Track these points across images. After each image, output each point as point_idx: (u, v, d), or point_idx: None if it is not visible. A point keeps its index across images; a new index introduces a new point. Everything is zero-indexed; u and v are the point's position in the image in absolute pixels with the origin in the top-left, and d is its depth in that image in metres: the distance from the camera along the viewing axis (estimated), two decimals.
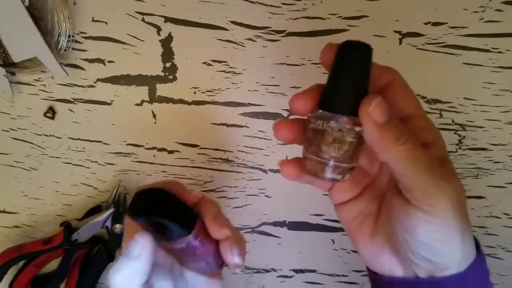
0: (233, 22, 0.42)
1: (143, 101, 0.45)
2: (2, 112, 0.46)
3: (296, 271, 0.49)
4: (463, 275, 0.26)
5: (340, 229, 0.47)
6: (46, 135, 0.46)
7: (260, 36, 0.43)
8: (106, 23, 0.43)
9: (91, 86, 0.45)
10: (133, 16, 0.43)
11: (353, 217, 0.31)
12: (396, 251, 0.28)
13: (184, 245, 0.29)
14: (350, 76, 0.25)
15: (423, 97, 0.43)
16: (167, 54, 0.43)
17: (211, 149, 0.46)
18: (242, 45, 0.43)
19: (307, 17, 0.42)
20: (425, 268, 0.27)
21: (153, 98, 0.45)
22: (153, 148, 0.46)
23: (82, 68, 0.44)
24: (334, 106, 0.25)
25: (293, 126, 0.28)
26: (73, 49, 0.43)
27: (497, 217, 0.47)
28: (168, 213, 0.28)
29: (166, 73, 0.44)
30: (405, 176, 0.24)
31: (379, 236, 0.29)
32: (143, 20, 0.43)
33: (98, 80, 0.44)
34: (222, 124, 0.45)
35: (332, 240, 0.48)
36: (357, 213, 0.31)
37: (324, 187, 0.32)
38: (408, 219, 0.25)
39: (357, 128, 0.25)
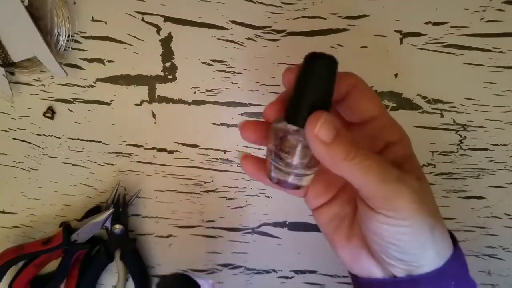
0: (233, 22, 0.42)
1: (142, 101, 0.45)
2: (1, 112, 0.45)
3: (297, 271, 0.49)
4: (440, 270, 0.26)
5: None
6: (46, 135, 0.46)
7: (260, 36, 0.43)
8: (105, 22, 0.43)
9: (91, 86, 0.44)
10: (133, 16, 0.42)
11: (329, 220, 0.32)
12: (372, 253, 0.29)
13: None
14: (311, 89, 0.25)
15: (424, 97, 0.43)
16: (167, 53, 0.43)
17: (211, 149, 0.46)
18: (242, 45, 0.43)
19: (308, 17, 0.42)
20: (400, 267, 0.27)
21: (153, 98, 0.45)
22: (153, 148, 0.46)
23: (81, 68, 0.44)
24: (294, 118, 0.26)
25: (258, 127, 0.29)
26: (73, 48, 0.43)
27: (498, 217, 0.47)
28: None
29: (166, 73, 0.44)
30: (361, 187, 0.25)
31: (355, 238, 0.30)
32: (142, 19, 0.42)
33: (97, 80, 0.44)
34: (222, 124, 0.45)
35: None
36: (332, 216, 0.32)
37: (296, 193, 0.33)
38: (373, 223, 0.26)
39: None
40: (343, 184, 0.32)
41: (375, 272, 0.29)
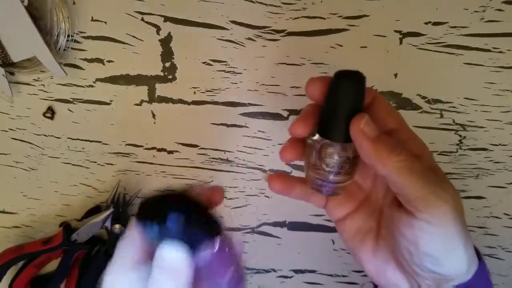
0: (233, 22, 0.42)
1: (142, 101, 0.45)
2: (1, 112, 0.45)
3: (296, 271, 0.49)
4: (467, 285, 0.26)
5: None
6: (45, 135, 0.46)
7: (260, 36, 0.43)
8: (105, 22, 0.43)
9: (90, 86, 0.44)
10: (133, 16, 0.42)
11: (354, 234, 0.32)
12: (400, 266, 0.28)
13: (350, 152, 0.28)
14: (345, 106, 0.27)
15: (424, 97, 0.43)
16: (167, 53, 0.43)
17: (210, 149, 0.46)
18: (242, 45, 0.43)
19: (307, 17, 0.42)
20: (431, 280, 0.27)
21: (153, 98, 0.45)
22: (153, 148, 0.46)
23: (81, 68, 0.44)
24: (331, 134, 0.28)
25: (295, 147, 0.30)
26: (72, 48, 0.43)
27: (498, 217, 0.47)
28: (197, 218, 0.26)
29: (166, 73, 0.44)
30: (405, 187, 0.25)
31: (382, 252, 0.30)
32: (142, 19, 0.42)
33: (97, 80, 0.44)
34: (222, 124, 0.45)
35: (332, 241, 0.48)
36: (357, 230, 0.32)
37: (318, 203, 0.34)
38: (411, 231, 0.25)
39: (351, 154, 0.28)
40: (365, 196, 0.32)
41: (401, 284, 0.29)
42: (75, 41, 0.43)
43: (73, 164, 0.47)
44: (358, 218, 0.32)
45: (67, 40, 0.42)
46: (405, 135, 0.29)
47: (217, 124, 0.45)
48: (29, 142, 0.46)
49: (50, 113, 0.45)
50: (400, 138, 0.28)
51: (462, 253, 0.25)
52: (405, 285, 0.29)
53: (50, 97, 0.45)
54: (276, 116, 0.44)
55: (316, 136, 0.28)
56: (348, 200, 0.32)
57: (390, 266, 0.29)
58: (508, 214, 0.47)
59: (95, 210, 0.47)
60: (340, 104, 0.27)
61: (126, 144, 0.46)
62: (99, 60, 0.44)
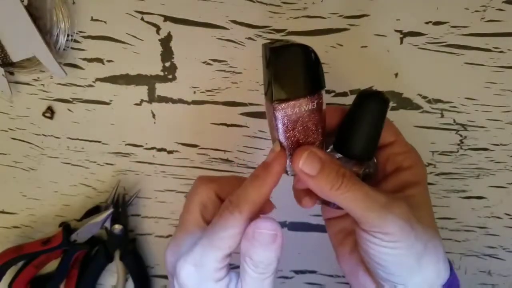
0: (233, 21, 0.42)
1: (142, 100, 0.45)
2: (0, 112, 0.45)
3: (297, 272, 0.49)
4: None
5: None
6: (45, 135, 0.46)
7: (260, 35, 0.42)
8: (105, 22, 0.43)
9: (90, 85, 0.44)
10: (133, 15, 0.42)
11: (337, 232, 0.34)
12: (369, 272, 0.30)
13: (311, 104, 0.27)
14: (367, 125, 0.29)
15: (424, 97, 0.43)
16: (167, 53, 0.43)
17: (210, 149, 0.46)
18: (242, 45, 0.43)
19: (308, 16, 0.42)
20: (390, 287, 0.28)
21: (153, 97, 0.44)
22: (153, 148, 0.46)
23: (81, 68, 0.44)
24: (349, 151, 0.29)
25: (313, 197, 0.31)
26: (72, 48, 0.43)
27: (499, 217, 0.47)
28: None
29: (166, 73, 0.44)
30: (351, 213, 0.27)
31: (356, 254, 0.32)
32: (142, 19, 0.42)
33: (97, 79, 0.44)
34: (222, 124, 0.45)
35: None
36: (340, 229, 0.34)
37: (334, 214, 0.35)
38: (363, 241, 0.28)
39: (363, 168, 0.30)
40: None
41: (369, 286, 0.31)
42: (75, 40, 0.43)
43: (72, 164, 0.47)
44: (344, 221, 0.34)
45: (67, 40, 0.42)
46: (399, 148, 0.31)
47: (217, 124, 0.45)
48: (28, 142, 0.46)
49: (49, 113, 0.45)
50: (393, 151, 0.31)
51: (414, 266, 0.27)
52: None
53: (50, 97, 0.45)
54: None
55: (333, 152, 0.30)
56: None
57: (361, 268, 0.31)
58: (509, 214, 0.46)
59: (95, 210, 0.46)
60: (362, 124, 0.28)
61: (125, 144, 0.46)
62: (99, 60, 0.44)
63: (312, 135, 0.28)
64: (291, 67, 0.26)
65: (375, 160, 0.31)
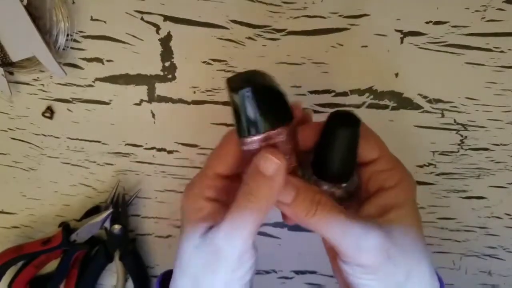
0: (233, 21, 0.42)
1: (142, 100, 0.45)
2: (0, 112, 0.45)
3: (297, 272, 0.49)
4: None
5: None
6: (45, 135, 0.46)
7: (260, 35, 0.42)
8: (105, 22, 0.42)
9: (90, 85, 0.44)
10: (132, 15, 0.42)
11: (329, 248, 0.33)
12: None
13: (279, 137, 0.27)
14: (340, 149, 0.27)
15: (425, 97, 0.43)
16: (166, 53, 0.43)
17: (210, 149, 0.46)
18: (242, 44, 0.43)
19: (308, 16, 0.42)
20: None
21: (152, 97, 0.44)
22: (152, 148, 0.46)
23: (80, 68, 0.44)
24: (326, 174, 0.29)
25: None
26: (72, 48, 0.43)
27: (499, 217, 0.47)
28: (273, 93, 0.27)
29: (165, 73, 0.44)
30: (327, 240, 0.27)
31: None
32: (142, 19, 0.42)
33: (96, 79, 0.44)
34: (222, 124, 0.45)
35: None
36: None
37: None
38: (343, 271, 0.27)
39: (342, 190, 0.29)
40: None
41: None
42: (75, 40, 0.43)
43: (72, 164, 0.47)
44: None
45: (67, 40, 0.42)
46: (383, 165, 0.29)
47: (217, 124, 0.45)
48: (28, 142, 0.46)
49: (49, 112, 0.45)
50: (376, 169, 0.29)
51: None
52: None
53: (50, 97, 0.45)
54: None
55: (310, 175, 0.29)
56: None
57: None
58: (509, 214, 0.46)
59: (95, 210, 0.46)
60: (335, 150, 0.27)
61: (125, 144, 0.46)
62: (99, 60, 0.43)
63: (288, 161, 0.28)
64: (251, 106, 0.26)
65: (355, 178, 0.30)
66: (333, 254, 0.32)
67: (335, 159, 0.28)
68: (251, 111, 0.26)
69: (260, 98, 0.26)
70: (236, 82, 0.26)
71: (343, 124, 0.27)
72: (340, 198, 0.29)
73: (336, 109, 0.28)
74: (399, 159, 0.30)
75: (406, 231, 0.27)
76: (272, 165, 0.26)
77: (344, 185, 0.29)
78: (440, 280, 0.29)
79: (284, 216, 0.31)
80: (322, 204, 0.26)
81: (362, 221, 0.26)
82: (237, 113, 0.26)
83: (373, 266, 0.26)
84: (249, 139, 0.27)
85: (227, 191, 0.30)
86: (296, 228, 0.48)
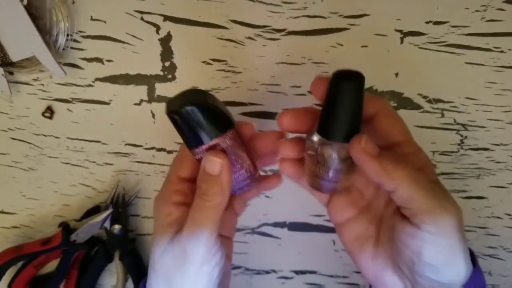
0: (233, 21, 0.42)
1: (142, 100, 0.45)
2: (0, 112, 0.45)
3: (297, 272, 0.49)
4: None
5: None
6: (45, 135, 0.46)
7: (260, 35, 0.42)
8: (105, 22, 0.42)
9: (90, 85, 0.44)
10: (132, 15, 0.42)
11: (353, 239, 0.32)
12: (399, 272, 0.30)
13: (224, 143, 0.31)
14: (345, 106, 0.27)
15: (425, 97, 0.43)
16: (166, 53, 0.43)
17: None
18: (242, 44, 0.43)
19: (308, 16, 0.42)
20: (429, 286, 0.28)
21: (152, 97, 0.44)
22: (152, 148, 0.46)
23: (80, 68, 0.44)
24: (331, 133, 0.28)
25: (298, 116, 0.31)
26: (72, 48, 0.43)
27: (499, 217, 0.47)
28: (210, 107, 0.30)
29: (165, 72, 0.44)
30: (412, 200, 0.26)
31: (381, 258, 0.31)
32: (142, 19, 0.42)
33: (96, 79, 0.44)
34: None
35: (333, 241, 0.48)
36: (356, 235, 0.32)
37: (320, 199, 0.35)
38: (415, 242, 0.26)
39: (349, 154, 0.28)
40: (366, 204, 0.32)
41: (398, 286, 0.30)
42: (75, 40, 0.43)
43: (72, 164, 0.47)
44: (358, 225, 0.32)
45: (67, 40, 0.42)
46: (409, 148, 0.29)
47: None
48: (28, 142, 0.46)
49: (49, 112, 0.45)
50: (403, 152, 0.29)
51: (462, 262, 0.27)
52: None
53: (49, 97, 0.45)
54: (276, 116, 0.44)
55: (316, 136, 0.29)
56: (348, 206, 0.33)
57: (389, 271, 0.30)
58: (509, 214, 0.46)
59: (95, 210, 0.46)
60: (339, 105, 0.27)
61: (125, 144, 0.46)
62: (99, 60, 0.43)
63: (237, 162, 0.32)
64: (190, 123, 0.29)
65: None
66: (357, 246, 0.32)
67: (340, 115, 0.28)
68: (191, 127, 0.29)
69: (197, 115, 0.29)
70: (174, 104, 0.30)
71: (347, 78, 0.27)
72: (345, 159, 0.29)
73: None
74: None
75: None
76: (216, 164, 0.30)
77: (347, 145, 0.29)
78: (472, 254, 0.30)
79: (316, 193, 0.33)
80: (407, 160, 0.26)
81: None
82: (180, 130, 0.30)
83: (451, 229, 0.25)
84: (197, 150, 0.30)
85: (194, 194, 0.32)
86: (296, 228, 0.48)
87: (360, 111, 0.28)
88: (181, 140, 0.46)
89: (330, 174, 0.29)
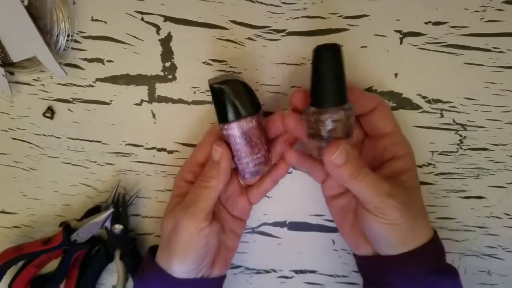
0: (233, 22, 0.42)
1: (142, 100, 0.45)
2: (1, 112, 0.45)
3: (297, 271, 0.49)
4: (408, 253, 0.35)
5: None
6: (45, 135, 0.46)
7: (260, 36, 0.43)
8: (105, 22, 0.43)
9: (90, 85, 0.44)
10: (133, 16, 0.42)
11: (339, 210, 0.41)
12: (367, 239, 0.38)
13: (250, 123, 0.36)
14: (328, 74, 0.33)
15: (424, 97, 0.43)
16: (167, 53, 0.43)
17: None
18: (242, 45, 0.43)
19: (307, 17, 0.42)
20: (384, 251, 0.37)
21: (153, 97, 0.45)
22: (153, 148, 0.46)
23: (81, 68, 0.44)
24: (320, 101, 0.34)
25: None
26: (72, 48, 0.43)
27: (498, 217, 0.47)
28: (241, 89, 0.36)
29: (166, 73, 0.44)
30: (361, 198, 0.34)
31: (357, 227, 0.39)
32: (142, 19, 0.42)
33: (97, 79, 0.44)
34: None
35: (333, 241, 0.48)
36: (341, 207, 0.41)
37: (318, 178, 0.42)
38: (368, 221, 0.35)
39: (342, 113, 0.33)
40: None
41: (369, 251, 0.39)
42: (75, 41, 0.43)
43: (73, 164, 0.47)
44: (343, 199, 0.41)
45: (67, 40, 0.42)
46: (395, 139, 0.38)
47: None
48: (29, 142, 0.46)
49: (50, 113, 0.45)
50: (390, 141, 0.38)
51: (408, 237, 0.35)
52: (370, 251, 0.39)
53: (50, 97, 0.45)
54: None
55: (310, 108, 0.34)
56: (338, 184, 0.40)
57: (362, 239, 0.39)
58: (508, 214, 0.47)
59: (95, 210, 0.47)
60: (323, 74, 0.33)
61: (126, 144, 0.46)
62: (99, 60, 0.44)
63: (257, 145, 0.37)
64: (231, 98, 0.35)
65: (351, 105, 0.34)
66: (341, 216, 0.41)
67: (327, 81, 0.33)
68: (231, 102, 0.35)
69: (237, 92, 0.35)
70: (217, 81, 0.35)
71: (325, 48, 0.33)
72: (344, 126, 0.34)
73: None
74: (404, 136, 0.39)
75: (416, 188, 0.38)
76: (217, 153, 0.36)
77: (345, 106, 0.33)
78: (435, 232, 0.38)
79: (314, 174, 0.41)
80: (364, 168, 0.33)
81: (388, 181, 0.34)
82: (220, 104, 0.35)
83: (393, 216, 0.34)
84: (227, 125, 0.36)
85: None
86: (296, 227, 0.48)
87: (342, 77, 0.33)
88: (181, 140, 0.46)
89: (329, 138, 0.34)
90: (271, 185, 0.42)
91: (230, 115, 0.35)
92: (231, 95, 0.35)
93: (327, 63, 0.32)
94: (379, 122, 0.38)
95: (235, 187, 0.42)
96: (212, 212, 0.38)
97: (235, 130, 0.36)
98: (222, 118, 0.36)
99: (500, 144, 0.44)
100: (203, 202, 0.36)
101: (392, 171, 0.37)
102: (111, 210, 0.45)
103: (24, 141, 0.46)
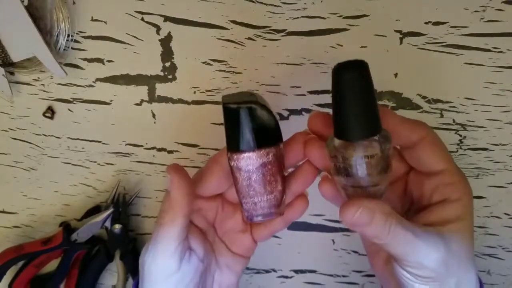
0: (233, 22, 0.42)
1: (142, 100, 0.45)
2: (1, 112, 0.45)
3: (296, 271, 0.49)
4: None
5: (341, 230, 0.47)
6: (45, 135, 0.46)
7: (260, 36, 0.43)
8: (105, 22, 0.43)
9: (90, 85, 0.44)
10: (133, 16, 0.42)
11: (371, 243, 0.33)
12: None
13: (266, 157, 0.28)
14: (353, 99, 0.25)
15: (424, 97, 0.43)
16: (167, 53, 0.43)
17: (211, 149, 0.46)
18: (242, 45, 0.43)
19: (307, 17, 0.42)
20: None
21: (153, 97, 0.45)
22: (153, 148, 0.46)
23: (81, 68, 0.44)
24: (348, 134, 0.25)
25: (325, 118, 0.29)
26: (72, 48, 0.43)
27: (498, 217, 0.47)
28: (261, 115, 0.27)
29: (166, 73, 0.44)
30: (391, 253, 0.27)
31: (390, 268, 0.31)
32: (142, 19, 0.42)
33: (97, 79, 0.44)
34: (222, 124, 0.45)
35: (333, 241, 0.48)
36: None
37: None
38: (397, 273, 0.28)
39: (376, 145, 0.25)
40: None
41: None
42: (75, 41, 0.43)
43: (73, 164, 0.47)
44: None
45: (67, 40, 0.42)
46: (448, 179, 0.29)
47: (217, 124, 0.45)
48: (29, 142, 0.46)
49: (50, 113, 0.45)
50: (442, 181, 0.29)
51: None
52: None
53: (50, 97, 0.45)
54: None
55: (334, 140, 0.26)
56: None
57: (394, 282, 0.31)
58: (508, 214, 0.47)
59: (95, 210, 0.47)
60: (347, 100, 0.25)
61: (126, 144, 0.46)
62: (99, 60, 0.44)
63: (270, 184, 0.29)
64: (242, 124, 0.27)
65: (387, 134, 0.26)
66: (373, 249, 0.33)
67: (351, 108, 0.25)
68: (246, 128, 0.27)
69: (256, 118, 0.27)
70: (234, 100, 0.27)
71: (349, 67, 0.25)
72: (379, 161, 0.26)
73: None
74: (462, 172, 0.30)
75: (464, 242, 0.28)
76: (170, 181, 0.29)
77: (375, 137, 0.25)
78: (480, 282, 0.30)
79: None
80: (394, 224, 0.26)
81: (425, 236, 0.27)
82: (232, 128, 0.28)
83: (432, 276, 0.27)
84: (237, 155, 0.28)
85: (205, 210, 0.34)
86: (296, 227, 0.48)
87: (373, 101, 0.25)
88: (181, 140, 0.46)
89: (364, 179, 0.26)
90: (283, 225, 0.35)
91: (243, 143, 0.27)
92: (248, 120, 0.27)
93: (353, 86, 0.24)
94: (427, 159, 0.29)
95: (237, 222, 0.35)
96: (189, 250, 0.32)
97: (246, 162, 0.28)
98: (232, 145, 0.28)
99: (500, 144, 0.44)
100: (163, 242, 0.30)
101: (440, 218, 0.29)
102: (111, 210, 0.45)
103: (24, 141, 0.46)
